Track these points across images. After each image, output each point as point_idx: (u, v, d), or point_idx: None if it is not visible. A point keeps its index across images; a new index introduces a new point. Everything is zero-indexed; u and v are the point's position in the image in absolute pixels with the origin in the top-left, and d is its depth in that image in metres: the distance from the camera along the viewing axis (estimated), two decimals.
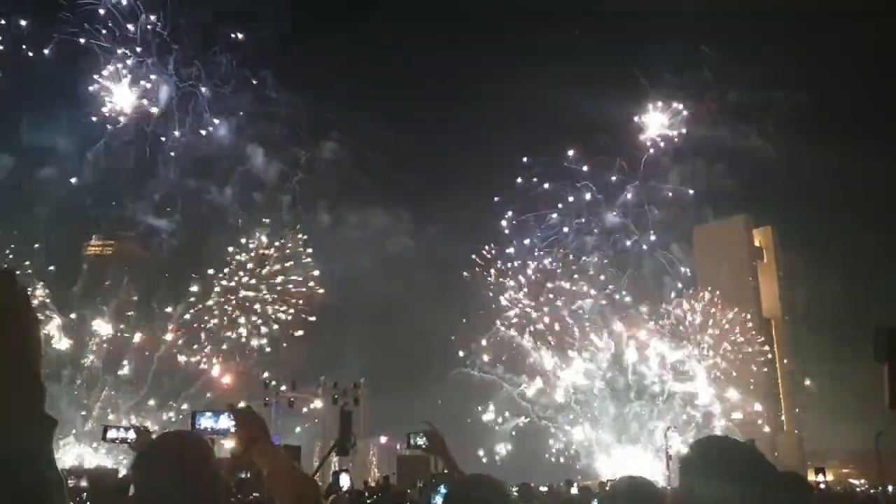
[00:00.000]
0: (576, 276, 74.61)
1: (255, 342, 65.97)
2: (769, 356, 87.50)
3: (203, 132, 66.01)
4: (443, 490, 5.95)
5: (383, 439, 74.70)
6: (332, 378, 55.52)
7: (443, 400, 72.45)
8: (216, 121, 66.15)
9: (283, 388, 54.49)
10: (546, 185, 73.63)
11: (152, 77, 64.04)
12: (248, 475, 21.83)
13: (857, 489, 46.87)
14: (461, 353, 73.53)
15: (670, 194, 75.07)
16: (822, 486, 30.28)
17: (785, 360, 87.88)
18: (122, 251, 70.06)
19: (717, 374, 76.31)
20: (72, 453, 56.13)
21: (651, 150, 73.91)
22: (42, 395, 1.48)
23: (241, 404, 3.69)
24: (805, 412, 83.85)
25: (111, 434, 22.00)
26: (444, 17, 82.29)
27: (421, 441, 6.39)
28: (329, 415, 54.62)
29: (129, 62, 63.03)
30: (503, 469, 66.45)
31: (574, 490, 19.69)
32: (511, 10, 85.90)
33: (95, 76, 62.20)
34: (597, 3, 77.74)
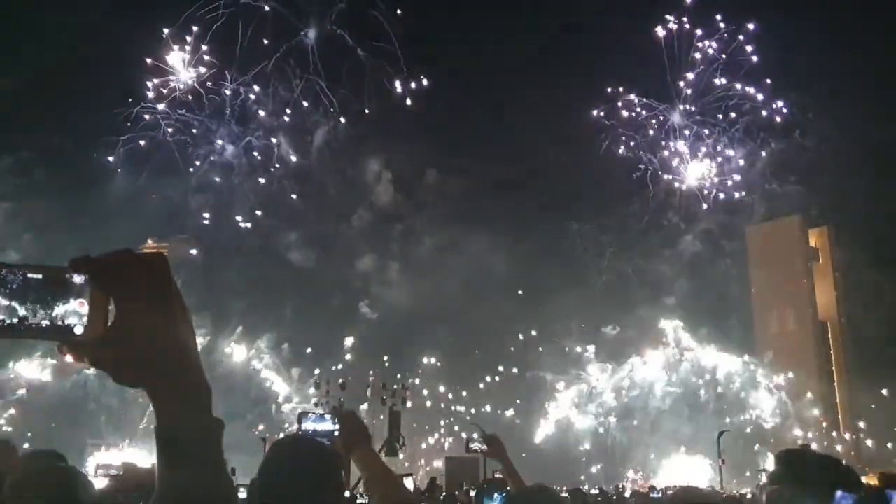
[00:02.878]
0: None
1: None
2: (825, 359, 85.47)
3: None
4: (497, 497, 5.89)
5: (432, 440, 74.86)
6: (382, 378, 56.45)
7: (511, 399, 75.16)
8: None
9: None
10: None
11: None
12: None
13: None
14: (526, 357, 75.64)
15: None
16: None
17: (841, 364, 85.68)
18: (176, 253, 71.49)
19: (774, 379, 76.02)
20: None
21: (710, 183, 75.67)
22: (210, 393, 1.38)
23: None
24: (862, 416, 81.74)
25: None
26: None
27: (476, 445, 6.37)
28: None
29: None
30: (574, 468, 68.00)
31: (627, 494, 19.45)
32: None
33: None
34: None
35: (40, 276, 1.33)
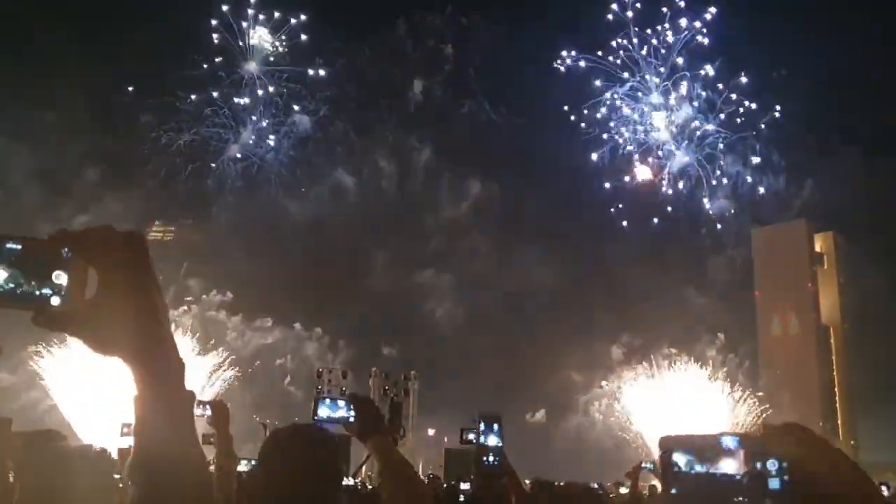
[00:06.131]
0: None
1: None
2: (827, 364, 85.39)
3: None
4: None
5: (431, 432, 74.71)
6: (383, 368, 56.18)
7: (540, 402, 76.26)
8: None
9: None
10: None
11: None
12: None
13: None
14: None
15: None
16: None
17: (843, 369, 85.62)
18: (182, 238, 71.35)
19: (774, 383, 76.08)
20: None
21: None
22: (183, 366, 1.45)
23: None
24: (861, 422, 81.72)
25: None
26: None
27: (472, 436, 6.24)
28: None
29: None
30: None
31: (623, 490, 19.52)
32: None
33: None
34: None
35: (19, 247, 1.34)
